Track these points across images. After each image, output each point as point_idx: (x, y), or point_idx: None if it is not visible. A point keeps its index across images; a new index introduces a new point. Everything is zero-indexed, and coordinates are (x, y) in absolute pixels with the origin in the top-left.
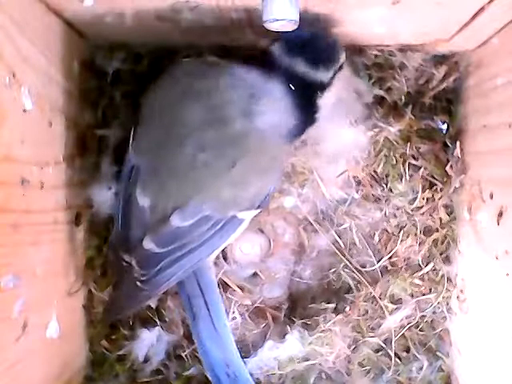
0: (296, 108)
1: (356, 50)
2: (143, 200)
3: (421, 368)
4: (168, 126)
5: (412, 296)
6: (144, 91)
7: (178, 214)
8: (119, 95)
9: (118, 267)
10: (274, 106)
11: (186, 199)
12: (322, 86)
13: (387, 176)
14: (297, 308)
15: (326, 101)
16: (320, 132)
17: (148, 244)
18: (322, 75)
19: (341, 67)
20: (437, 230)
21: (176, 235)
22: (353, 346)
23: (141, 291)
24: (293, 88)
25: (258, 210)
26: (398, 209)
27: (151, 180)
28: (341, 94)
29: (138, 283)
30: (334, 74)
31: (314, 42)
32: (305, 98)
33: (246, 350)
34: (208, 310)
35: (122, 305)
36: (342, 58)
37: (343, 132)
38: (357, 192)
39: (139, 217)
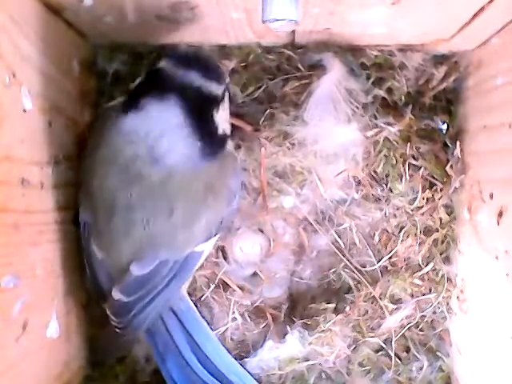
0: (196, 129)
1: (356, 50)
2: (100, 253)
3: (421, 368)
4: (96, 189)
5: (412, 296)
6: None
7: (136, 263)
8: (119, 95)
9: (100, 310)
10: (174, 138)
11: (140, 250)
12: (217, 100)
13: (387, 176)
14: (297, 308)
15: (223, 117)
16: (317, 131)
17: (117, 295)
18: (216, 88)
19: (228, 86)
20: (437, 230)
21: (139, 283)
22: (353, 346)
23: (121, 337)
24: (189, 104)
25: (217, 236)
26: (397, 209)
27: (101, 236)
28: (332, 93)
29: (117, 330)
30: (225, 90)
31: (203, 58)
32: (202, 114)
33: (246, 350)
34: (176, 346)
35: (106, 349)
36: (227, 76)
37: (339, 131)
38: (357, 192)
39: (101, 268)
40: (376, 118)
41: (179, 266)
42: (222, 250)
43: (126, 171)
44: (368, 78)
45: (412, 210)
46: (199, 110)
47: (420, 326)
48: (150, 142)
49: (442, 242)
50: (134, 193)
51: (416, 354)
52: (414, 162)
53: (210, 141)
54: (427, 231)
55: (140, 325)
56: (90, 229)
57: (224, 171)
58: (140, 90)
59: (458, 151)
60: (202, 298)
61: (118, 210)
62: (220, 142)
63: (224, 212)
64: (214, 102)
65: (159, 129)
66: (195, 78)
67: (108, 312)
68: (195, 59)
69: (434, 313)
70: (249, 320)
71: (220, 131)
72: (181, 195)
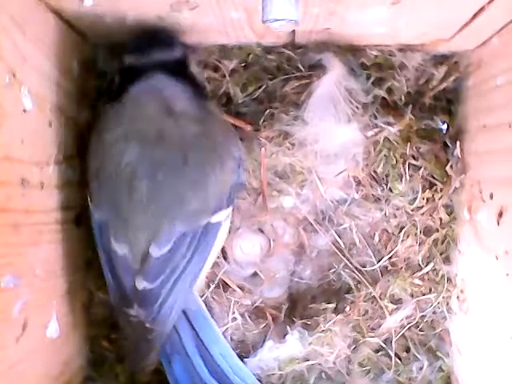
0: (183, 80)
1: (356, 50)
2: (121, 249)
3: (421, 368)
4: (113, 171)
5: (412, 296)
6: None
7: (155, 244)
8: None
9: (123, 321)
10: (174, 94)
11: (158, 227)
12: (183, 58)
13: (387, 176)
14: (297, 308)
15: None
16: (317, 131)
17: (140, 284)
18: (177, 52)
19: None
20: (437, 230)
21: (160, 265)
22: (353, 346)
23: (152, 332)
24: (166, 70)
25: (230, 209)
26: (398, 209)
27: (121, 228)
28: (332, 92)
29: (147, 325)
30: (185, 51)
31: (154, 37)
32: (180, 70)
33: (246, 350)
34: (184, 347)
35: (141, 353)
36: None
37: (339, 131)
38: (357, 192)
39: (124, 266)
40: (376, 118)
41: (198, 240)
42: (222, 250)
43: (145, 135)
44: (368, 78)
45: (412, 210)
46: (175, 69)
47: (420, 326)
48: (162, 102)
49: (442, 242)
50: (156, 153)
51: (416, 354)
52: (414, 162)
53: (196, 85)
54: (427, 231)
55: (167, 316)
56: (107, 226)
57: (225, 138)
58: (123, 84)
59: (458, 151)
60: (202, 298)
61: (138, 181)
62: (204, 88)
63: (231, 181)
64: (181, 60)
65: (160, 95)
66: (157, 56)
67: (135, 307)
68: (149, 42)
69: (434, 313)
70: (249, 320)
71: (200, 78)
72: (193, 149)
